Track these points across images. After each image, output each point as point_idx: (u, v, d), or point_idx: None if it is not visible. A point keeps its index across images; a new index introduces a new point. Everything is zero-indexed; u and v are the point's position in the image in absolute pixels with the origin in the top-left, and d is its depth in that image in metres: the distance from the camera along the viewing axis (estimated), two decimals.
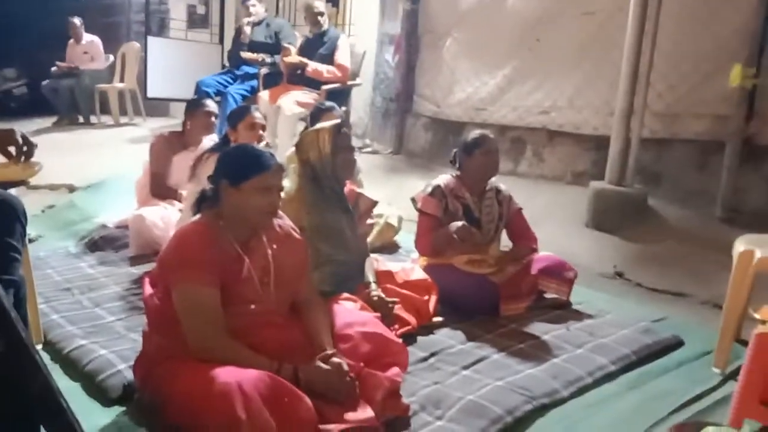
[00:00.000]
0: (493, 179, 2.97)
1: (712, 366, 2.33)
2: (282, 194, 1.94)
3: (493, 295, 2.69)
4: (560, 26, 4.84)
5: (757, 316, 1.81)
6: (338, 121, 2.49)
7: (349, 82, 5.61)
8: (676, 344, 2.51)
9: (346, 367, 1.77)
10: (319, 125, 2.48)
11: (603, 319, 2.71)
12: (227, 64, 6.27)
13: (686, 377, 2.27)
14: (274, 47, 5.85)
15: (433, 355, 2.29)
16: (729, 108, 3.99)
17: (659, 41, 4.04)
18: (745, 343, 2.01)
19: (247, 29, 6.01)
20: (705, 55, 4.13)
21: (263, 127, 3.27)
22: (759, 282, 2.27)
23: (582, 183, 4.58)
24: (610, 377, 2.23)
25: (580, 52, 4.72)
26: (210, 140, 3.71)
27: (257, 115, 3.26)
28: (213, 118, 3.61)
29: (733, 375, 2.24)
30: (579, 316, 2.74)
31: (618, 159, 4.11)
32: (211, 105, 3.62)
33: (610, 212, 4.03)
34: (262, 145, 3.15)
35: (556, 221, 4.13)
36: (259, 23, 6.04)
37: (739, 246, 2.32)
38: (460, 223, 2.69)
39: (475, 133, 2.93)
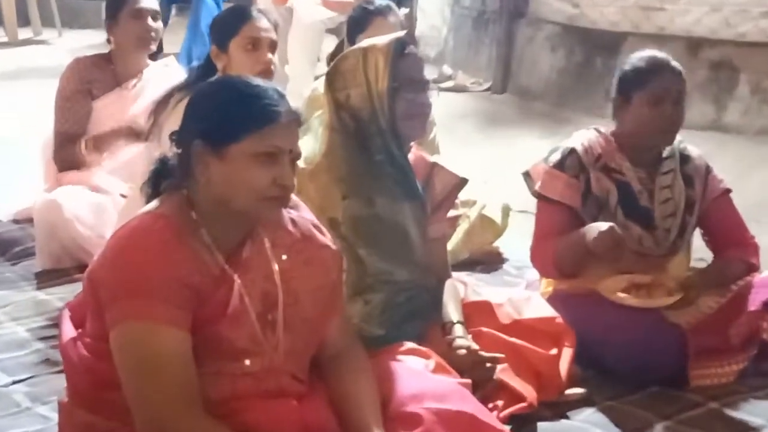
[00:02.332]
0: (676, 138, 2.92)
1: None
2: (299, 164, 1.96)
3: (676, 348, 2.66)
4: None
5: None
6: (400, 33, 2.49)
7: None
8: None
9: None
10: (366, 41, 2.48)
11: None
12: None
13: None
14: None
15: None
16: None
17: None
18: None
19: None
20: None
21: (274, 46, 3.29)
22: None
23: None
24: None
25: None
26: (162, 66, 3.75)
27: (263, 22, 3.24)
28: (150, 22, 3.64)
29: None
30: None
31: None
32: None
33: None
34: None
35: None
36: None
37: None
38: (604, 226, 2.65)
39: (640, 55, 2.89)
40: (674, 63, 2.85)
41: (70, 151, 3.62)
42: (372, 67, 2.40)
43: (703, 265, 3.00)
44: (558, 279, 2.86)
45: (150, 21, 3.63)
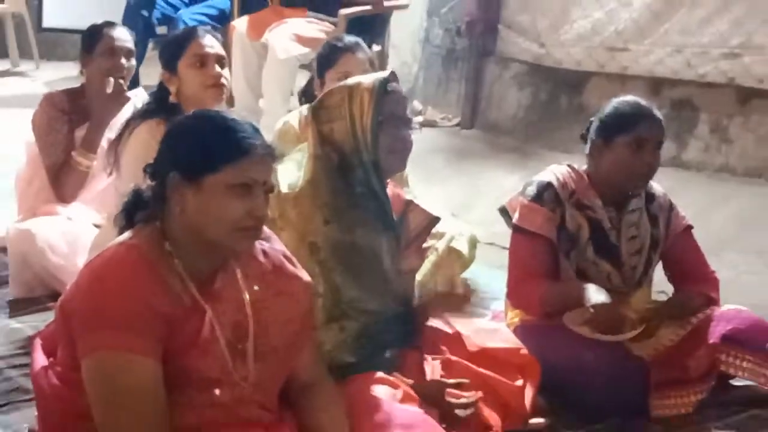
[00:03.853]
0: None
1: None
2: (283, 190, 2.00)
3: (638, 379, 2.67)
4: None
5: None
6: (385, 73, 2.50)
7: (387, 3, 5.64)
8: None
9: None
10: (351, 80, 2.50)
11: None
12: None
13: None
14: None
15: None
16: None
17: None
18: None
19: None
20: None
21: (222, 61, 3.20)
22: None
23: None
24: None
25: None
26: (131, 97, 3.64)
27: (208, 39, 3.19)
28: (123, 61, 3.58)
29: None
30: None
31: None
32: (118, 33, 3.61)
33: None
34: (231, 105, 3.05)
35: (752, 249, 4.07)
36: None
37: None
38: (603, 297, 2.65)
39: (623, 100, 2.90)
40: (656, 111, 2.86)
41: (65, 179, 3.55)
42: (357, 104, 2.41)
43: (664, 298, 3.02)
44: (531, 315, 2.86)
45: (123, 60, 3.58)
